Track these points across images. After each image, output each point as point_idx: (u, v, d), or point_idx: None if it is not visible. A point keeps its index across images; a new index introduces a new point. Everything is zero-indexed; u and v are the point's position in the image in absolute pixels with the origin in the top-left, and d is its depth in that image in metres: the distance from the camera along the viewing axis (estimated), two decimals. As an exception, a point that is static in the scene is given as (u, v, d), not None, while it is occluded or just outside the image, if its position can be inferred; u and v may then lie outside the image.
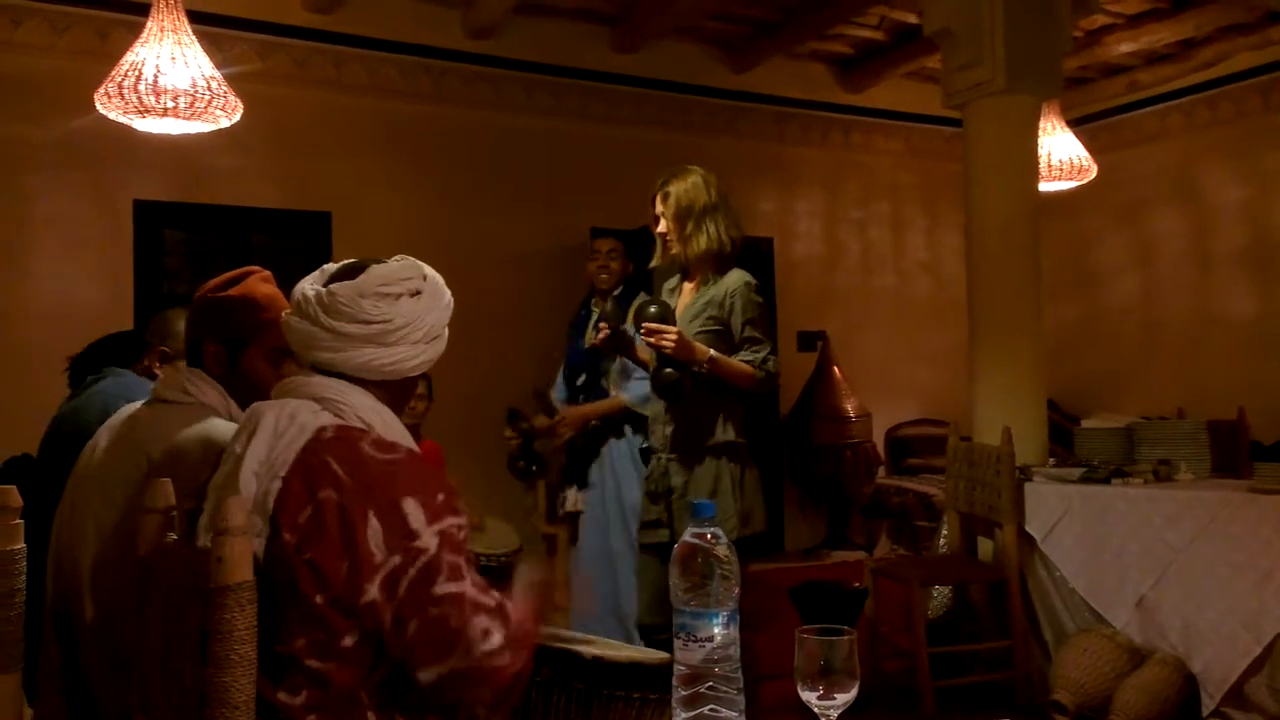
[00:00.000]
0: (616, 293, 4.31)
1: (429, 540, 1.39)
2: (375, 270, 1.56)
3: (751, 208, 7.43)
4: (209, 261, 5.91)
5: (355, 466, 1.41)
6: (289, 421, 1.45)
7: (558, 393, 4.50)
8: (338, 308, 1.52)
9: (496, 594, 1.47)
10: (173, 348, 2.77)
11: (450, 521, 1.43)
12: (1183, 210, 7.51)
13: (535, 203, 6.46)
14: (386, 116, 6.11)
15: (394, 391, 1.60)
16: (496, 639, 1.42)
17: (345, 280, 1.55)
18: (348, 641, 1.37)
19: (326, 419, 1.47)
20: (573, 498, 4.25)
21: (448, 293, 1.62)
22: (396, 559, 1.37)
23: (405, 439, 1.54)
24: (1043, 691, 3.85)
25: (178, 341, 2.64)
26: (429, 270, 1.62)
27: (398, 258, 1.61)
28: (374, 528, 1.37)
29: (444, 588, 1.38)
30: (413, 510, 1.39)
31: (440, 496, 1.44)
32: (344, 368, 1.53)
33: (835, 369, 7.24)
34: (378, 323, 1.52)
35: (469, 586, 1.41)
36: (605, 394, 4.23)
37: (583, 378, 4.33)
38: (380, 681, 1.43)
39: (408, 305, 1.54)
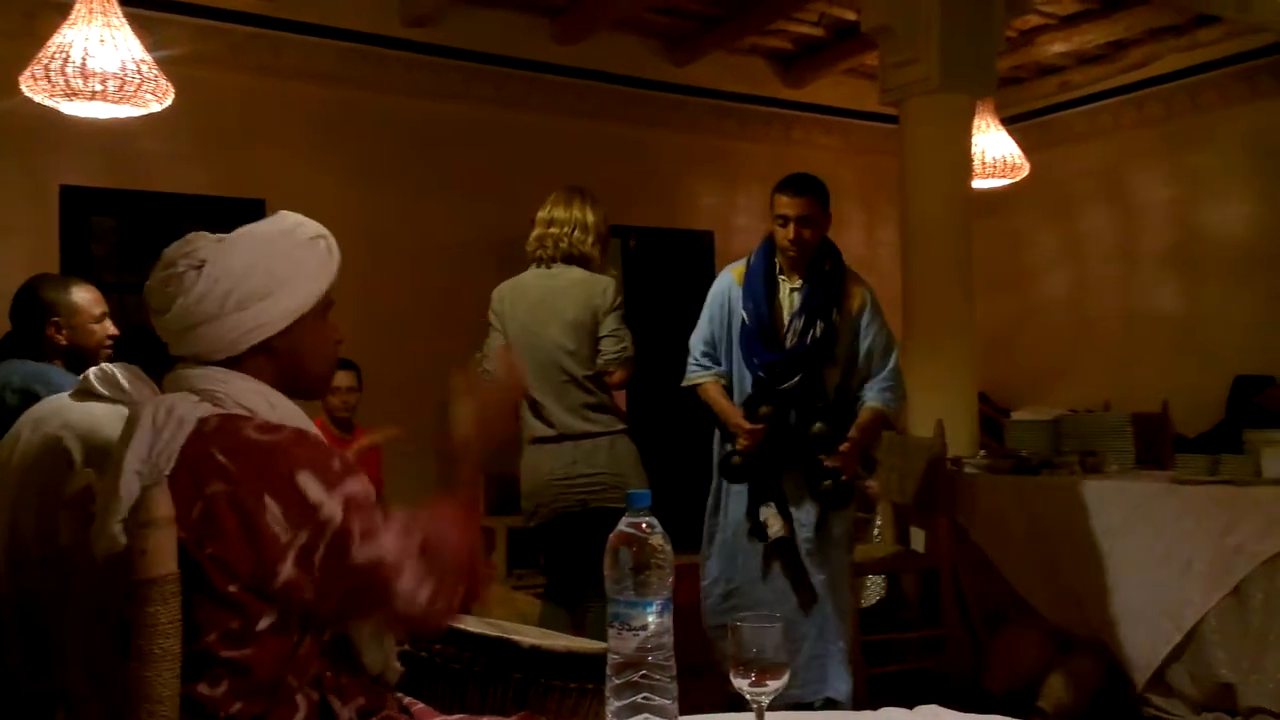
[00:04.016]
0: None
1: (333, 508, 1.36)
2: (161, 256, 1.51)
3: (692, 201, 7.46)
4: (138, 249, 5.79)
5: (240, 454, 1.37)
6: (167, 416, 1.40)
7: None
8: (150, 301, 1.49)
9: (418, 532, 1.42)
10: (65, 319, 2.75)
11: (352, 484, 1.40)
12: (1112, 209, 7.68)
13: (475, 193, 6.40)
14: (323, 103, 6.02)
15: (278, 371, 1.52)
16: (426, 590, 1.39)
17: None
18: (263, 625, 1.35)
19: (206, 409, 1.42)
20: (776, 522, 3.48)
21: (253, 248, 1.49)
22: (304, 534, 1.34)
23: (298, 420, 1.48)
24: (974, 679, 3.92)
25: (71, 312, 2.72)
26: (216, 236, 1.51)
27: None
28: (273, 510, 1.34)
29: (360, 554, 1.36)
30: (309, 483, 1.36)
31: (336, 463, 1.41)
32: (190, 352, 1.48)
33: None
34: (174, 308, 1.46)
35: (387, 544, 1.38)
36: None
37: (796, 378, 3.44)
38: (307, 660, 1.41)
39: (192, 278, 1.46)
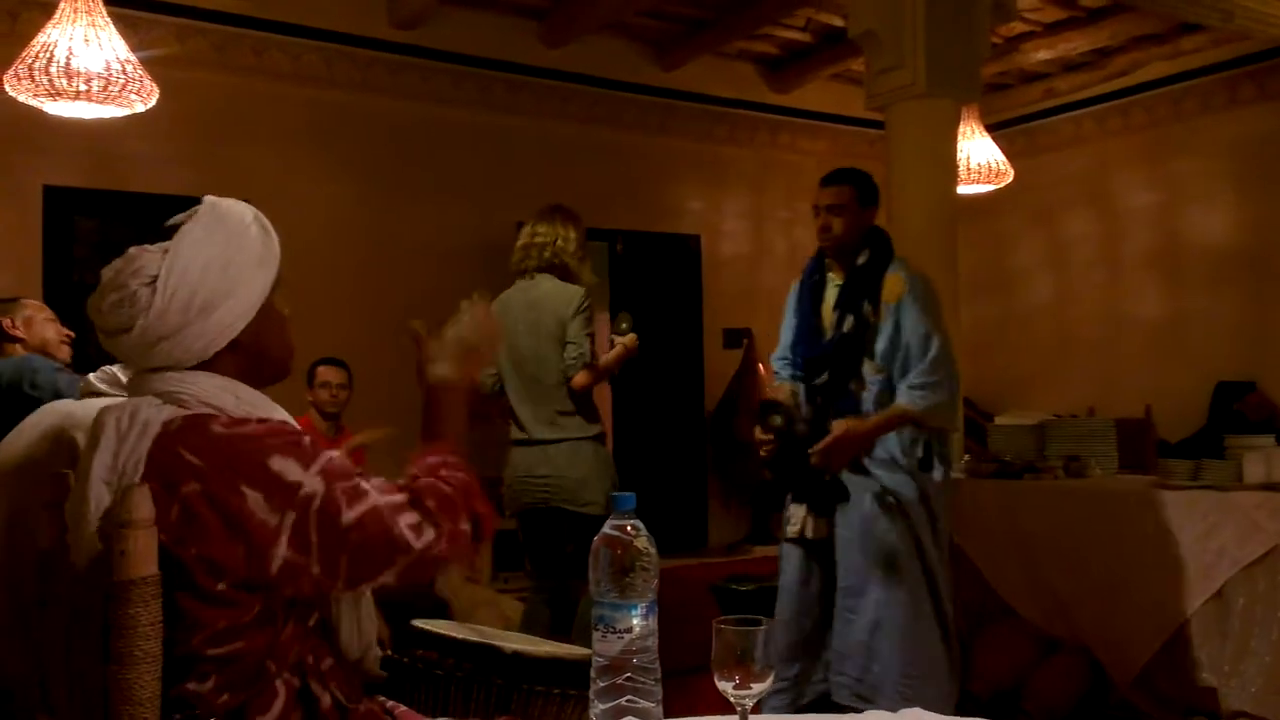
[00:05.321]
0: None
1: (314, 483, 1.35)
2: (103, 279, 1.46)
3: (679, 205, 7.47)
4: (122, 251, 5.74)
5: (209, 450, 1.36)
6: (130, 422, 1.38)
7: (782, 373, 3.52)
8: (103, 323, 1.45)
9: (404, 481, 1.43)
10: (19, 318, 3.15)
11: (327, 457, 1.39)
12: (1095, 215, 7.73)
13: (461, 196, 6.40)
14: (309, 104, 6.01)
15: (244, 364, 1.49)
16: (430, 531, 1.39)
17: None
18: (250, 616, 1.35)
19: (170, 411, 1.40)
20: (802, 519, 3.30)
21: (200, 250, 1.46)
22: (292, 515, 1.33)
23: (266, 409, 1.46)
24: (958, 681, 3.93)
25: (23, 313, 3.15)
26: (159, 247, 1.48)
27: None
28: (254, 499, 1.33)
29: (351, 514, 1.35)
30: (284, 465, 1.35)
31: (307, 441, 1.40)
32: (156, 365, 1.45)
33: (760, 366, 7.31)
34: (136, 328, 1.42)
35: (375, 498, 1.38)
36: (853, 398, 3.26)
37: (825, 375, 3.30)
38: (288, 646, 1.40)
39: (147, 295, 1.43)
